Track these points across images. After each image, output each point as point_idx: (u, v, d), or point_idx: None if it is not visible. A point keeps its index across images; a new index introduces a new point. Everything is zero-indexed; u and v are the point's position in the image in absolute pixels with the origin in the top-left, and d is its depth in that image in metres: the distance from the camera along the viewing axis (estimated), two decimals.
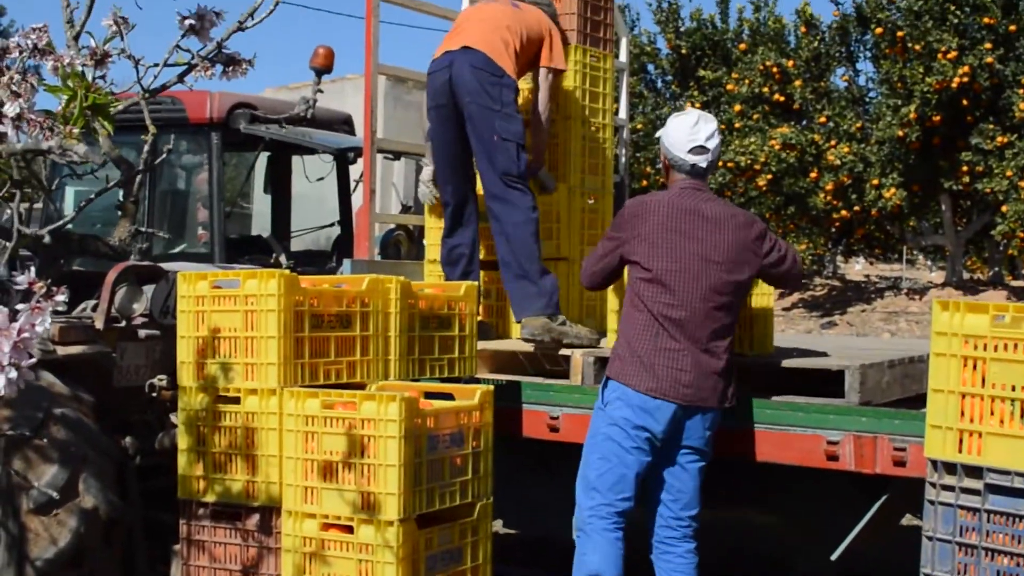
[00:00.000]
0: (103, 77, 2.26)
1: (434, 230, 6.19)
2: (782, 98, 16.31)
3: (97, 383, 5.19)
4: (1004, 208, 14.38)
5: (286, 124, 7.14)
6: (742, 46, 17.02)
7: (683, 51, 17.70)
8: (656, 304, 4.36)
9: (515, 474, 5.15)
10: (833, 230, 17.31)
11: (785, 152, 15.59)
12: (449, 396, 4.56)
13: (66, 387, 4.98)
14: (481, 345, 5.38)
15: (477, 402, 4.43)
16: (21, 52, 2.29)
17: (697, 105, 17.13)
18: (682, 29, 17.83)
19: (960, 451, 3.65)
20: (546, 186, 5.78)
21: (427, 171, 5.87)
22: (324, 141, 7.36)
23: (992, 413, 3.61)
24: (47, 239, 2.29)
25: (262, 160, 7.97)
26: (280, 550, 4.27)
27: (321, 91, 7.23)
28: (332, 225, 8.01)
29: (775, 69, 16.26)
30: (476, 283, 5.31)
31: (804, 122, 16.38)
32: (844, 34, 16.43)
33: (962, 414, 3.65)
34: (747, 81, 16.44)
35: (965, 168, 14.64)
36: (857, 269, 27.25)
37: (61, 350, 5.00)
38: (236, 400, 4.41)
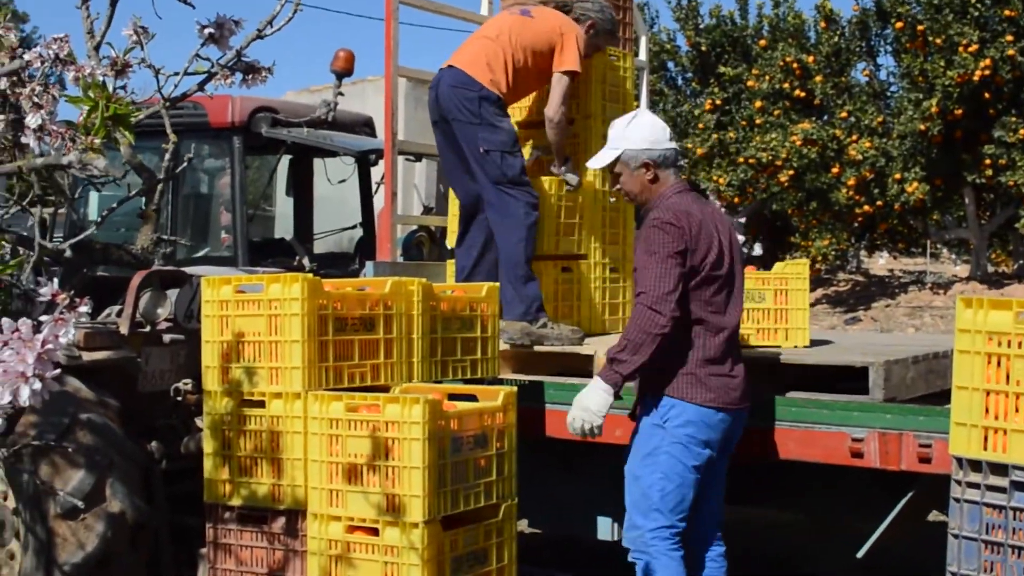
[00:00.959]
0: (124, 87, 2.27)
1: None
2: (803, 94, 16.24)
3: (122, 388, 5.23)
4: None
5: (307, 127, 7.17)
6: (762, 42, 16.94)
7: (703, 48, 17.64)
8: (711, 315, 4.26)
9: (539, 474, 5.15)
10: (856, 225, 17.23)
11: (806, 148, 15.51)
12: (472, 397, 4.57)
13: (92, 392, 5.01)
14: (514, 347, 5.43)
15: (500, 403, 4.44)
16: (43, 62, 2.31)
17: (718, 102, 17.09)
18: (701, 26, 17.77)
19: (985, 448, 3.63)
20: (569, 183, 5.80)
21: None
22: (345, 144, 7.38)
23: (1017, 410, 3.59)
24: (68, 252, 2.30)
25: (284, 163, 8.00)
26: (306, 553, 4.29)
27: (342, 94, 7.25)
28: (354, 227, 8.04)
29: (795, 65, 16.19)
30: (497, 284, 5.33)
31: (825, 117, 16.30)
32: (864, 28, 16.34)
33: (987, 411, 3.63)
34: (767, 77, 16.38)
35: (988, 161, 14.55)
36: (881, 264, 27.15)
37: (86, 355, 5.03)
38: (261, 404, 4.43)
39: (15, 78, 2.10)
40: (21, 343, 1.84)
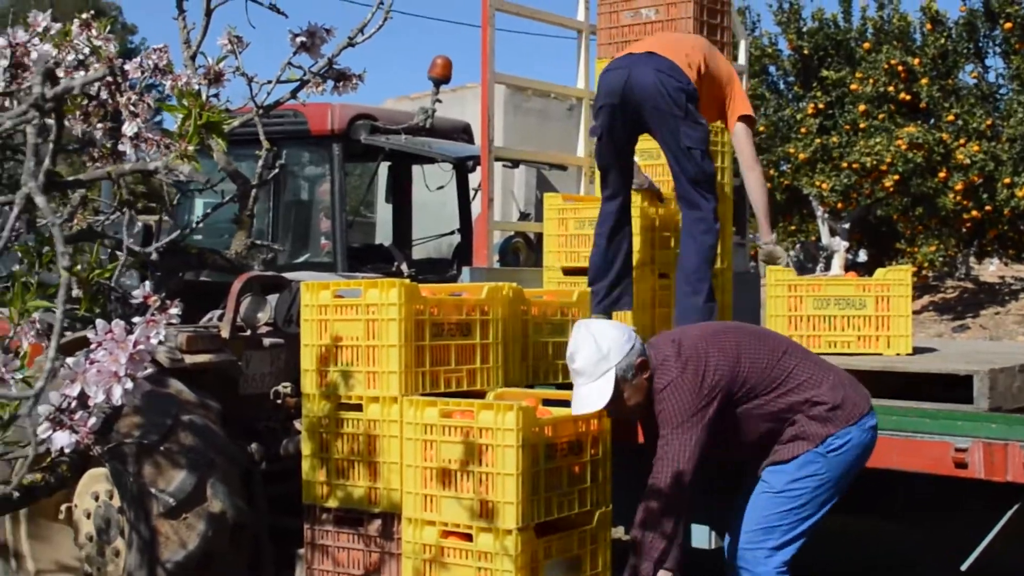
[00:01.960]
0: (217, 95, 2.32)
1: (553, 237, 6.22)
2: (908, 97, 15.98)
3: (224, 391, 5.32)
4: None
5: (406, 134, 7.22)
6: (866, 45, 16.70)
7: (805, 51, 17.43)
8: (792, 376, 4.14)
9: (635, 480, 5.13)
10: (964, 231, 16.89)
11: (912, 152, 15.25)
12: (567, 403, 4.56)
13: (193, 394, 5.10)
14: None
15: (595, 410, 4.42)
16: (142, 72, 2.36)
17: (821, 105, 16.86)
18: (804, 29, 17.56)
19: None
20: (777, 258, 5.70)
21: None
22: (443, 150, 7.43)
23: None
24: (154, 256, 2.35)
25: (383, 169, 8.07)
26: (401, 556, 4.32)
27: (440, 101, 7.29)
28: (452, 233, 8.08)
29: (900, 67, 15.93)
30: (588, 290, 5.32)
31: (931, 121, 16.01)
32: (972, 30, 16.02)
33: None
34: (871, 80, 16.14)
35: None
36: (991, 270, 26.50)
37: (189, 358, 5.13)
38: (358, 407, 4.48)
39: (114, 87, 2.16)
40: (114, 344, 1.89)
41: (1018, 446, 4.16)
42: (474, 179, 7.60)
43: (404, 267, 7.09)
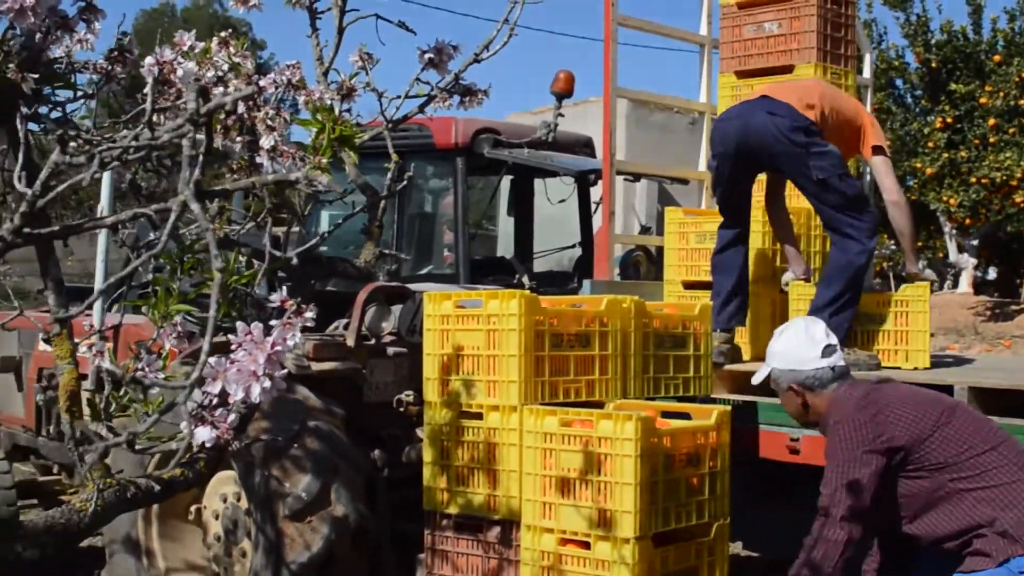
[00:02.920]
0: (349, 110, 2.42)
1: (674, 251, 6.23)
2: None
3: (348, 398, 5.44)
4: None
5: (528, 148, 7.29)
6: (996, 57, 16.33)
7: (932, 64, 17.12)
8: (987, 474, 3.79)
9: (754, 495, 5.12)
10: None
11: None
12: (686, 415, 4.58)
13: (319, 401, 5.24)
14: (730, 367, 5.40)
15: (714, 422, 4.45)
16: (276, 87, 2.47)
17: (949, 120, 16.55)
18: (932, 42, 17.25)
19: None
20: (929, 279, 5.72)
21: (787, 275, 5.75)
22: (565, 164, 7.48)
23: None
24: (294, 260, 2.45)
25: (505, 183, 8.15)
26: (519, 563, 4.38)
27: (562, 115, 7.35)
28: (573, 246, 8.13)
29: None
30: (710, 304, 5.32)
31: None
32: None
33: None
34: (1002, 93, 15.78)
35: None
36: None
37: (315, 366, 5.27)
38: (479, 416, 4.56)
39: (251, 102, 2.27)
40: (253, 345, 1.99)
41: None
42: (595, 192, 7.65)
43: (525, 279, 7.16)
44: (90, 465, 2.40)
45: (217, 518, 5.60)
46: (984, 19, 17.21)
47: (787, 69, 6.07)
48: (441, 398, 4.67)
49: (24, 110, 2.23)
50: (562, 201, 7.87)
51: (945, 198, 16.13)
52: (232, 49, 2.45)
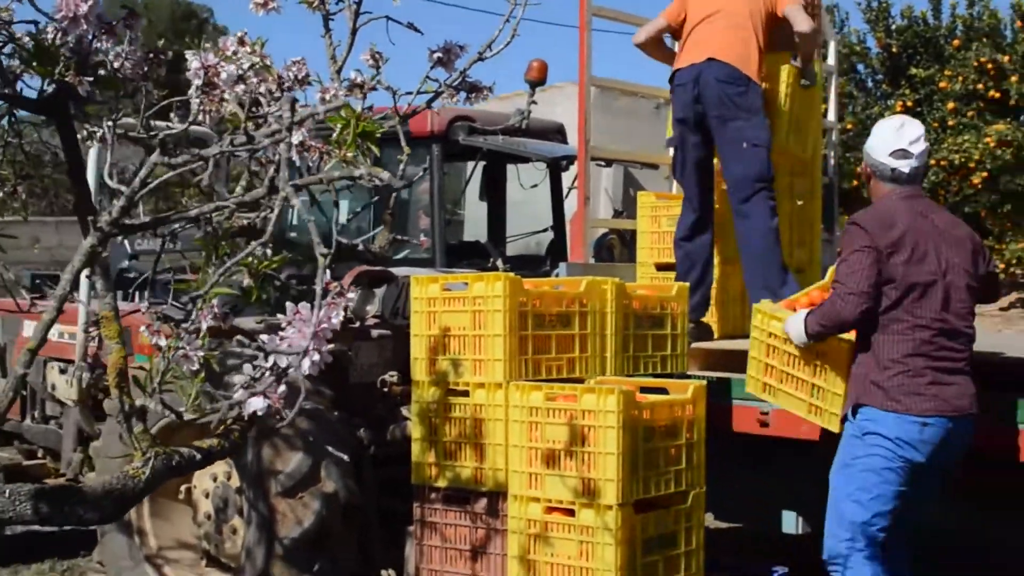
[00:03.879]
0: (371, 108, 2.60)
1: (647, 234, 6.43)
2: (998, 94, 15.87)
3: (335, 379, 5.60)
4: None
5: (502, 135, 7.44)
6: (955, 42, 16.62)
7: (893, 49, 17.38)
8: (915, 318, 4.17)
9: (726, 468, 5.30)
10: None
11: (1001, 149, 15.16)
12: (663, 391, 4.79)
13: (308, 382, 5.38)
14: (702, 345, 5.62)
15: (690, 396, 4.66)
16: (283, 83, 2.66)
17: (909, 104, 16.85)
18: (892, 27, 17.52)
19: None
20: (807, 80, 6.01)
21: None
22: (539, 150, 7.64)
23: None
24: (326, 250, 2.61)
25: (479, 168, 8.30)
26: (507, 532, 4.58)
27: (535, 103, 7.47)
28: (545, 231, 8.29)
29: (990, 65, 15.83)
30: (687, 285, 5.52)
31: (1021, 118, 15.92)
32: None
33: None
34: (960, 78, 16.07)
35: None
36: None
37: None
38: (465, 393, 4.75)
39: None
40: (302, 322, 2.18)
41: None
42: (566, 178, 7.83)
43: (499, 263, 7.31)
44: (137, 435, 2.57)
45: (207, 497, 5.74)
46: (943, 5, 17.49)
47: None
48: (429, 377, 4.85)
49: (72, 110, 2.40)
50: (535, 186, 8.02)
51: None
52: (247, 48, 2.62)
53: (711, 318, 6.04)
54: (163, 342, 2.52)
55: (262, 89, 2.46)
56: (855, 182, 16.89)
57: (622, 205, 8.73)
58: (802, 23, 5.72)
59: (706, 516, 5.10)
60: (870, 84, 18.46)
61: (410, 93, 2.90)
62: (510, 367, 4.61)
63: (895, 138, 4.37)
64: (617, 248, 7.70)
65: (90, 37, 2.23)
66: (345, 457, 5.33)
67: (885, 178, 4.38)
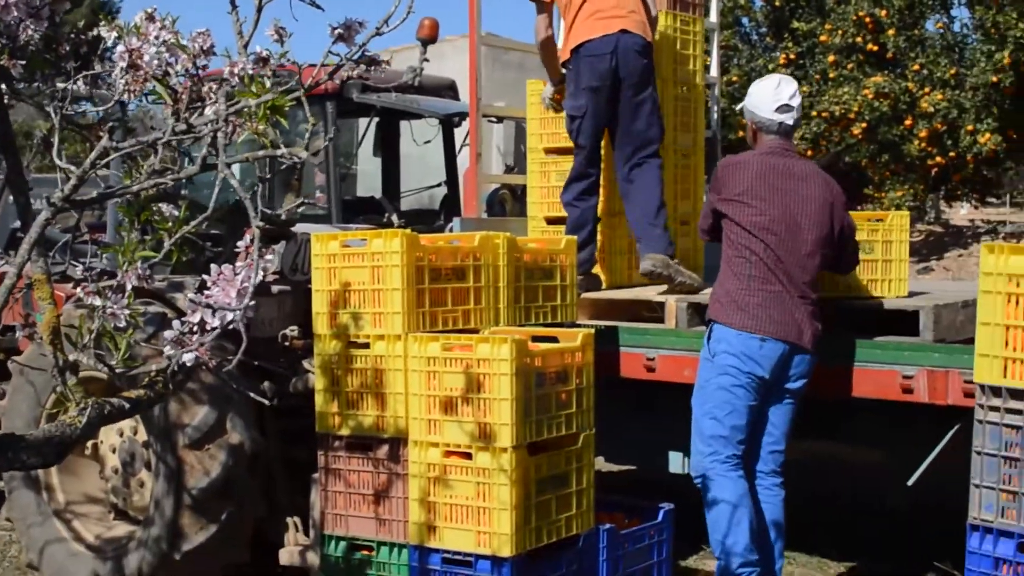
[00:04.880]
0: (279, 83, 2.78)
1: (537, 189, 6.65)
2: (876, 47, 16.36)
3: (236, 334, 5.72)
4: None
5: (395, 92, 7.57)
6: None
7: (776, 3, 17.80)
8: (752, 254, 4.76)
9: (614, 414, 5.52)
10: (930, 176, 17.37)
11: (879, 101, 15.68)
12: (554, 340, 5.03)
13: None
14: (590, 295, 5.88)
15: (579, 343, 4.90)
16: (192, 55, 2.82)
17: (792, 56, 17.26)
18: None
19: (1004, 376, 4.05)
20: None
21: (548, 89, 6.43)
22: (431, 107, 7.79)
23: None
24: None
25: (372, 125, 8.42)
26: (408, 476, 4.80)
27: (427, 60, 7.62)
28: (439, 185, 8.45)
29: (868, 19, 16.30)
30: (575, 238, 5.76)
31: (898, 71, 16.44)
32: None
33: (1006, 344, 4.05)
34: (840, 32, 16.52)
35: None
36: (962, 214, 26.96)
37: None
38: (366, 345, 4.93)
39: (196, 77, 2.61)
40: (226, 282, 2.37)
41: (958, 373, 4.62)
42: (458, 133, 8.00)
43: (394, 218, 7.45)
44: (71, 388, 2.75)
45: (114, 451, 5.86)
46: None
47: None
48: (330, 331, 5.02)
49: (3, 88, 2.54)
50: (428, 142, 8.17)
51: None
52: (157, 24, 2.77)
53: (598, 269, 6.30)
54: (97, 302, 2.68)
55: (178, 67, 2.61)
56: (740, 132, 17.32)
57: (513, 160, 8.93)
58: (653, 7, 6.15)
59: (598, 460, 5.37)
60: (754, 37, 18.89)
61: (313, 66, 3.07)
62: (408, 319, 4.80)
63: (775, 95, 4.92)
64: (509, 203, 7.90)
65: (17, 23, 2.37)
66: (249, 409, 5.48)
67: (771, 131, 4.93)
